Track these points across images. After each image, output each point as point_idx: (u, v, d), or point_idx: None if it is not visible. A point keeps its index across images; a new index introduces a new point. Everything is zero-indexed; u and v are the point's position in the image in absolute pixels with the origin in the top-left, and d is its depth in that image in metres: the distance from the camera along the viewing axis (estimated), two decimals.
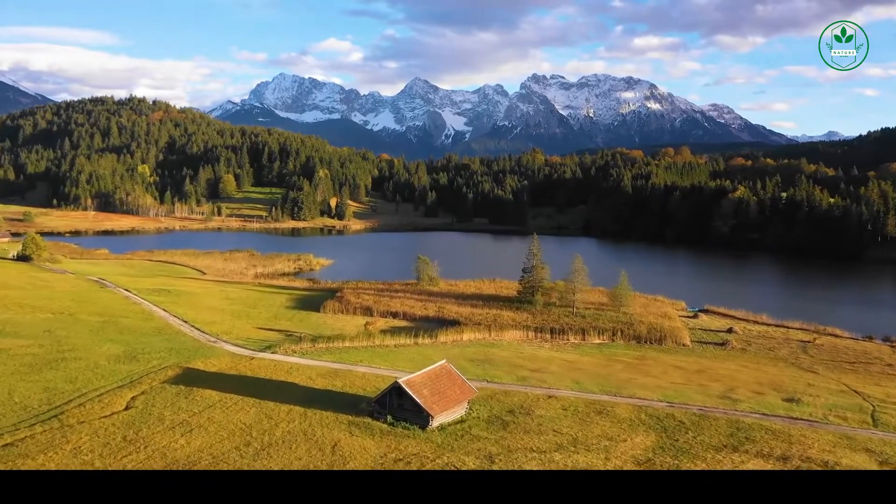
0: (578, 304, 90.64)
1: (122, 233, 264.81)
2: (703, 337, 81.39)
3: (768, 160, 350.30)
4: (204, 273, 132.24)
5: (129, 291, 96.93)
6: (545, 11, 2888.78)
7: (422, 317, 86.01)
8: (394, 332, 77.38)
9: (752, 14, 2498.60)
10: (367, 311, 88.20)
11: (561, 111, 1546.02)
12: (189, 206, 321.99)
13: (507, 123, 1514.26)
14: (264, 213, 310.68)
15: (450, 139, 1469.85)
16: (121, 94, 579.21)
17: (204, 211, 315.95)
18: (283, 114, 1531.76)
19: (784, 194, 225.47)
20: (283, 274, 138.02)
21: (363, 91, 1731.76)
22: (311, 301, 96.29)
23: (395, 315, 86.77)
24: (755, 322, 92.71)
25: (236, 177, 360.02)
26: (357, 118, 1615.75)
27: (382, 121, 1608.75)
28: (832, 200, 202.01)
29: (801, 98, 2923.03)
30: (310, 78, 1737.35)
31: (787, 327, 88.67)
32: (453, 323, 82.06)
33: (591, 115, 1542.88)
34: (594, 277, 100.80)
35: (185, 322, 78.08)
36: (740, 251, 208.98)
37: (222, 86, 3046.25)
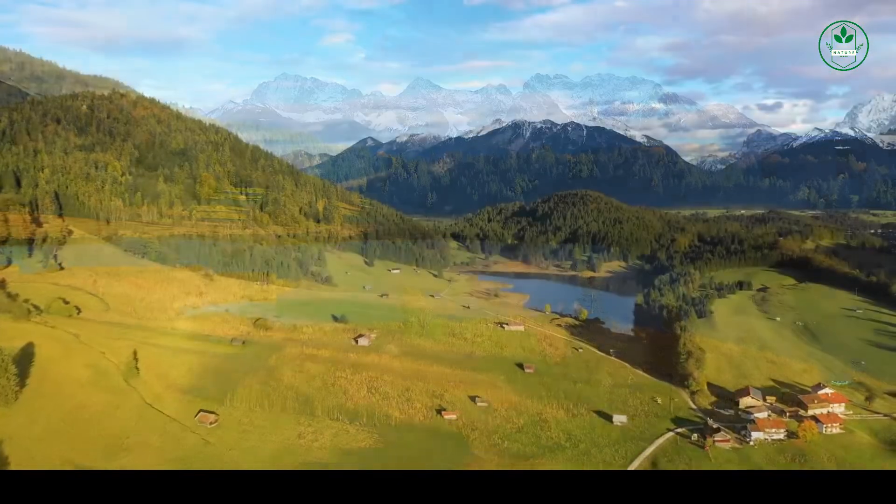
0: None
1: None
2: None
3: None
4: (108, 307, 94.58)
5: None
6: (547, 12, 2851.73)
7: (401, 423, 48.14)
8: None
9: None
10: (306, 406, 50.39)
11: (565, 111, 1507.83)
12: (158, 209, 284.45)
13: (510, 123, 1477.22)
14: (242, 217, 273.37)
15: (453, 139, 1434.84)
16: (104, 90, 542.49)
17: (172, 215, 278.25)
18: (285, 114, 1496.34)
19: None
20: (223, 306, 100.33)
21: (365, 91, 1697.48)
22: (225, 371, 58.65)
23: (353, 417, 48.88)
24: None
25: (216, 176, 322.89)
26: (359, 118, 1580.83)
27: (385, 121, 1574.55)
28: None
29: (805, 99, 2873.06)
30: (311, 78, 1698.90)
31: None
32: (455, 441, 44.24)
33: (595, 114, 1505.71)
34: None
35: None
36: None
37: (224, 86, 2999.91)
